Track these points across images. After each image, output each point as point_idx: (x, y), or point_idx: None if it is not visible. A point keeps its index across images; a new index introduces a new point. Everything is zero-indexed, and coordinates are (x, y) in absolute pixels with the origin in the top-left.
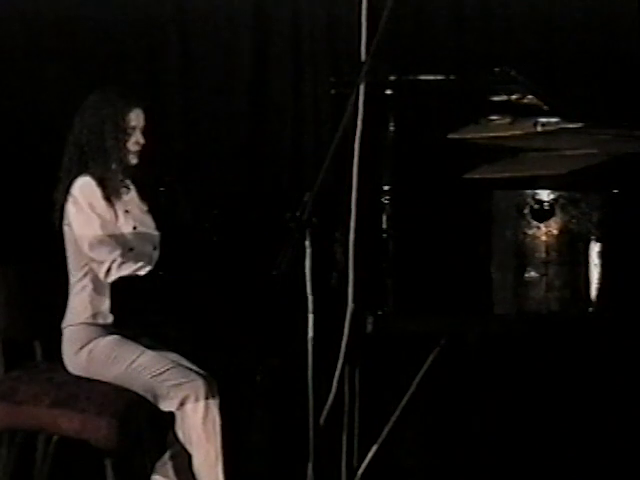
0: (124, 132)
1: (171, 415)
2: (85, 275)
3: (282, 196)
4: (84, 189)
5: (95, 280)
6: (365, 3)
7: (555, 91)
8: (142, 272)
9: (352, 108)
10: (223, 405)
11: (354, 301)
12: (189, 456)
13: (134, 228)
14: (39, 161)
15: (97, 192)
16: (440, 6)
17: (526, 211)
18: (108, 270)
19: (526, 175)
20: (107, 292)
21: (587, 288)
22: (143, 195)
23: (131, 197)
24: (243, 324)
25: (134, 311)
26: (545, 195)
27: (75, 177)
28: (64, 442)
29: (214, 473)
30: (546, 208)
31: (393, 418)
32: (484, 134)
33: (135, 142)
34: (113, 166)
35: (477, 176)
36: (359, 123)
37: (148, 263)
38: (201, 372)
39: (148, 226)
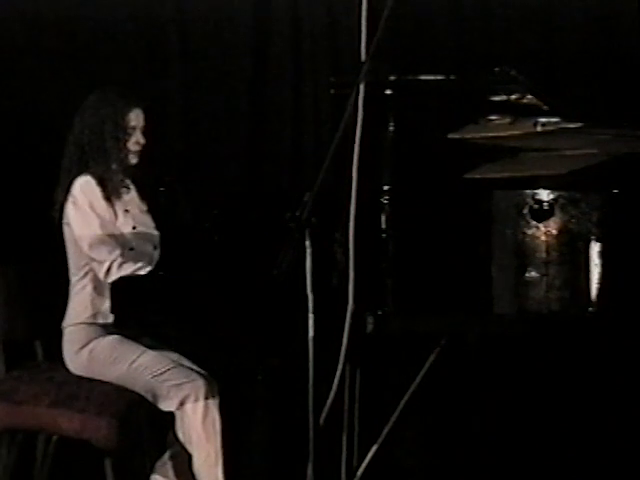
0: (124, 132)
1: (171, 415)
2: (85, 275)
3: (282, 196)
4: (84, 188)
5: (95, 280)
6: (365, 3)
7: (555, 91)
8: (142, 272)
9: (352, 108)
10: (223, 405)
11: (354, 301)
12: (189, 456)
13: (134, 228)
14: (39, 161)
15: (97, 192)
16: (440, 6)
17: (526, 211)
18: (108, 270)
19: (526, 175)
20: (107, 292)
21: (587, 288)
22: (143, 195)
23: (131, 197)
24: (243, 324)
25: (134, 311)
26: (545, 195)
27: (75, 177)
28: (64, 442)
29: (214, 473)
30: (546, 208)
31: (393, 418)
32: (484, 134)
33: (135, 142)
34: (113, 166)
35: (477, 176)
36: (359, 123)
37: (148, 263)
38: (201, 372)
39: (148, 226)
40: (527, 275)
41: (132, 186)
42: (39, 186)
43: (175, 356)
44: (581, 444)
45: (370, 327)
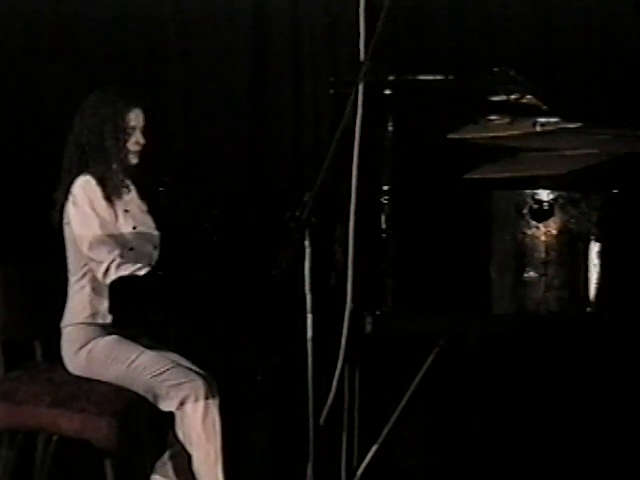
0: (124, 132)
1: (171, 415)
2: (84, 275)
3: (282, 196)
4: (85, 188)
5: (94, 280)
6: (363, 3)
7: (555, 91)
8: (141, 273)
9: (351, 108)
10: (223, 405)
11: (353, 301)
12: (189, 456)
13: (134, 228)
14: (39, 161)
15: (97, 191)
16: (440, 6)
17: (525, 211)
18: (106, 270)
19: (526, 175)
20: (106, 292)
21: (586, 288)
22: (143, 195)
23: (131, 197)
24: (243, 324)
25: (133, 311)
26: (544, 195)
27: (75, 177)
28: (64, 442)
29: (214, 473)
30: (545, 208)
31: (393, 418)
32: (483, 134)
33: (135, 142)
34: (113, 166)
35: (477, 176)
36: (358, 123)
37: (148, 263)
38: (201, 372)
39: (148, 226)
40: (526, 275)
41: (132, 186)
42: (39, 186)
43: (174, 356)
44: (581, 444)
45: (369, 327)
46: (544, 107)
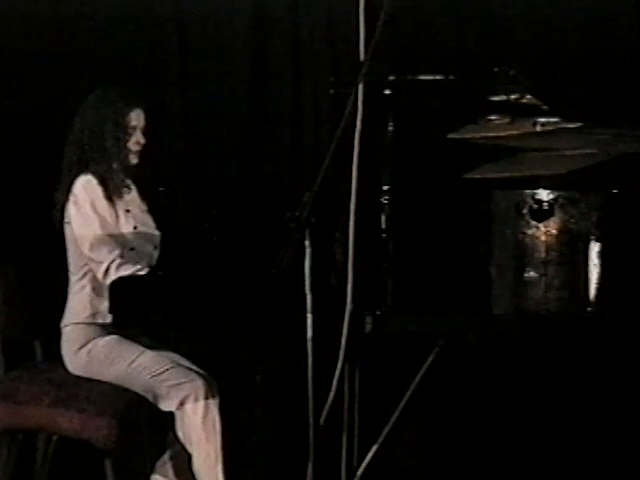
0: (125, 132)
1: (171, 415)
2: (84, 275)
3: (282, 196)
4: (86, 188)
5: (94, 280)
6: (363, 3)
7: (555, 91)
8: (141, 273)
9: (351, 108)
10: (223, 405)
11: (353, 301)
12: (189, 456)
13: (135, 228)
14: (39, 161)
15: (98, 191)
16: (440, 6)
17: (525, 211)
18: (106, 271)
19: (526, 175)
20: (106, 292)
21: (586, 288)
22: (144, 195)
23: (132, 197)
24: (243, 324)
25: (133, 311)
26: (544, 195)
27: (76, 176)
28: (64, 442)
29: (214, 473)
30: (545, 208)
31: (393, 418)
32: (483, 134)
33: (136, 142)
34: (114, 166)
35: (476, 176)
36: (358, 123)
37: (148, 263)
38: (201, 372)
39: (149, 226)
40: (526, 275)
41: (133, 186)
42: (39, 186)
43: (174, 356)
44: (581, 444)
45: (369, 327)
46: (544, 107)
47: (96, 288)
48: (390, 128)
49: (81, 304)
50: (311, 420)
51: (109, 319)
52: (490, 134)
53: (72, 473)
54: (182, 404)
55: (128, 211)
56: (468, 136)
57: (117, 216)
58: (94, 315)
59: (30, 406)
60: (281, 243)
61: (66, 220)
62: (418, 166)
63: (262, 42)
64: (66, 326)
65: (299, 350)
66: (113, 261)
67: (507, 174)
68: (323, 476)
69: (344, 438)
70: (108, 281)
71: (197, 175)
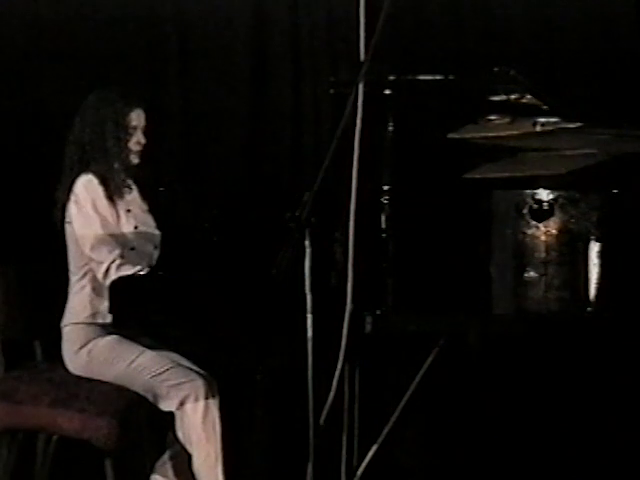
0: (125, 132)
1: (171, 415)
2: (85, 275)
3: (282, 196)
4: (87, 187)
5: (94, 280)
6: (363, 3)
7: (555, 91)
8: (141, 273)
9: (351, 108)
10: (223, 405)
11: (353, 301)
12: (189, 456)
13: (136, 228)
14: (39, 161)
15: (99, 191)
16: (440, 6)
17: (525, 211)
18: (107, 271)
19: (526, 175)
20: (106, 292)
21: (586, 288)
22: (144, 195)
23: (133, 197)
24: (243, 324)
25: (133, 311)
26: (544, 195)
27: (76, 176)
28: (64, 442)
29: (214, 473)
30: (545, 208)
31: (393, 418)
32: (483, 134)
33: (136, 142)
34: (115, 165)
35: (477, 176)
36: (358, 123)
37: (149, 263)
38: (201, 372)
39: (149, 225)
40: (526, 275)
41: (134, 186)
42: (39, 186)
43: (174, 356)
44: (581, 444)
45: (369, 327)
46: (544, 107)
47: (96, 288)
48: (390, 128)
49: (81, 304)
50: (311, 420)
51: (109, 319)
52: (490, 134)
53: (72, 473)
54: (182, 404)
55: (129, 211)
56: (468, 136)
57: (118, 216)
58: (94, 315)
59: (30, 406)
60: (281, 243)
61: (67, 220)
62: (418, 166)
63: (262, 42)
64: (66, 326)
65: (299, 350)
66: (113, 261)
67: (507, 174)
68: (323, 476)
69: (344, 438)
70: (108, 281)
71: (197, 175)
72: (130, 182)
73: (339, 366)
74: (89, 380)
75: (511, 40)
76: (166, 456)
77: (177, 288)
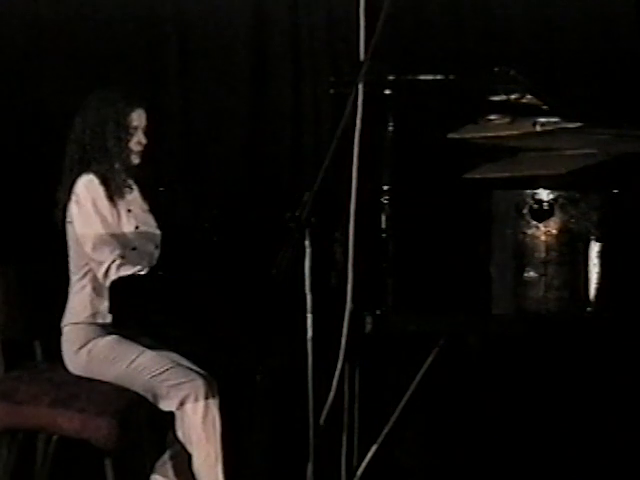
0: (126, 132)
1: (171, 415)
2: (85, 275)
3: (282, 196)
4: (88, 187)
5: (95, 280)
6: (363, 3)
7: (555, 91)
8: (142, 273)
9: (351, 108)
10: (223, 405)
11: (353, 301)
12: (189, 456)
13: (136, 227)
14: (39, 161)
15: (101, 191)
16: (440, 6)
17: (525, 211)
18: (107, 271)
19: (526, 175)
20: (106, 292)
21: (586, 288)
22: (145, 194)
23: (134, 196)
24: (243, 324)
25: (133, 311)
26: (544, 195)
27: (77, 176)
28: (64, 442)
29: (214, 473)
30: (545, 208)
31: (393, 418)
32: (483, 134)
33: (137, 142)
34: (116, 165)
35: (477, 176)
36: (358, 123)
37: (150, 262)
38: (201, 372)
39: (150, 225)
40: (526, 275)
41: (135, 186)
42: (39, 186)
43: (174, 356)
44: (581, 444)
45: (369, 327)
46: (544, 107)
47: (96, 288)
48: (390, 128)
49: (81, 304)
50: (311, 420)
51: (109, 319)
52: (490, 134)
53: (72, 473)
54: (182, 404)
55: (130, 211)
56: (468, 136)
57: (119, 216)
58: (94, 315)
59: (30, 406)
60: (281, 243)
61: (68, 219)
62: (418, 166)
63: (262, 42)
64: (66, 326)
65: (299, 350)
66: (113, 261)
67: (507, 174)
68: (323, 476)
69: (344, 438)
70: (108, 281)
71: (197, 175)
72: (131, 182)
73: (339, 366)
74: (89, 380)
75: (511, 40)
76: (166, 456)
77: (177, 288)
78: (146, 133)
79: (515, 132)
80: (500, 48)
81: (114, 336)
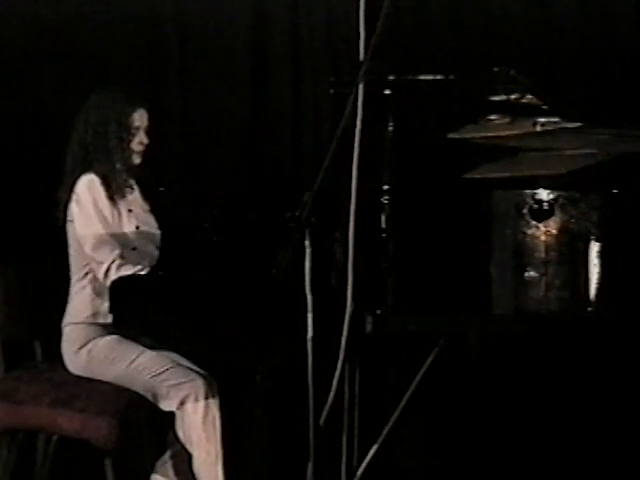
0: (128, 132)
1: (171, 415)
2: (86, 275)
3: (282, 196)
4: (89, 187)
5: (95, 280)
6: (363, 3)
7: (555, 91)
8: (142, 273)
9: (351, 108)
10: (223, 405)
11: (353, 301)
12: (189, 456)
13: (137, 228)
14: (39, 161)
15: (101, 191)
16: (440, 6)
17: (525, 211)
18: (107, 271)
19: (526, 175)
20: (107, 292)
21: (586, 288)
22: (146, 194)
23: (135, 197)
24: (243, 324)
25: (133, 311)
26: (545, 195)
27: (79, 176)
28: (64, 442)
29: (214, 473)
30: (545, 208)
31: (393, 418)
32: (483, 134)
33: (139, 142)
34: (117, 165)
35: (477, 176)
36: (358, 123)
37: (150, 262)
38: (201, 372)
39: (151, 225)
40: (526, 275)
41: (136, 186)
42: (39, 186)
43: (174, 356)
44: (581, 444)
45: (369, 327)
46: (544, 107)
47: (97, 288)
48: (390, 128)
49: (82, 304)
50: (311, 420)
51: (109, 319)
52: (490, 134)
53: (72, 473)
54: (182, 404)
55: (130, 211)
56: (468, 136)
57: (120, 216)
58: (95, 315)
59: (30, 406)
60: (281, 243)
61: (69, 219)
62: (418, 166)
63: (262, 42)
64: (66, 326)
65: (299, 350)
66: (113, 261)
67: (507, 174)
68: (323, 476)
69: (344, 438)
70: (108, 281)
71: (197, 175)
72: (132, 182)
73: (339, 366)
74: (89, 380)
75: (511, 40)
76: (166, 456)
77: (177, 288)
78: (147, 133)
79: (515, 132)
80: (500, 48)
81: (114, 336)
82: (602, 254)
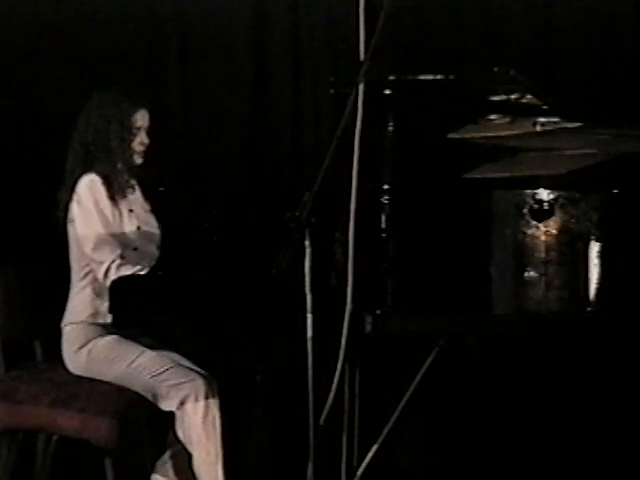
0: (130, 132)
1: (171, 415)
2: (86, 275)
3: (282, 196)
4: (90, 187)
5: (95, 280)
6: (363, 3)
7: (555, 91)
8: (141, 273)
9: (351, 108)
10: (223, 405)
11: (353, 301)
12: (189, 455)
13: (138, 228)
14: (39, 161)
15: (102, 191)
16: (440, 6)
17: (525, 211)
18: (107, 271)
19: (526, 175)
20: (107, 292)
21: (586, 288)
22: (146, 195)
23: (135, 197)
24: (243, 324)
25: (133, 311)
26: (545, 195)
27: (80, 176)
28: (64, 442)
29: (214, 473)
30: (546, 208)
31: (393, 418)
32: (483, 134)
33: (140, 142)
34: (118, 166)
35: (477, 176)
36: (358, 123)
37: (150, 263)
38: (201, 372)
39: (151, 225)
40: (526, 275)
41: (137, 186)
42: (40, 186)
43: (174, 356)
44: (581, 444)
45: (369, 327)
46: (544, 107)
47: (97, 288)
48: (390, 128)
49: (82, 304)
50: (311, 420)
51: (109, 319)
52: (490, 134)
53: (72, 473)
54: (182, 404)
55: (131, 211)
56: (468, 136)
57: (120, 216)
58: (95, 315)
59: (30, 406)
60: (281, 243)
61: (69, 219)
62: (418, 166)
63: (262, 42)
64: (66, 326)
65: (299, 350)
66: (113, 261)
67: (507, 174)
68: (323, 476)
69: (344, 438)
70: (108, 281)
71: (197, 175)
72: (133, 182)
73: (339, 366)
74: (89, 380)
75: (511, 40)
76: (166, 456)
77: (177, 288)
78: (149, 133)
79: (515, 132)
80: (500, 48)
81: (114, 336)
82: (602, 254)
